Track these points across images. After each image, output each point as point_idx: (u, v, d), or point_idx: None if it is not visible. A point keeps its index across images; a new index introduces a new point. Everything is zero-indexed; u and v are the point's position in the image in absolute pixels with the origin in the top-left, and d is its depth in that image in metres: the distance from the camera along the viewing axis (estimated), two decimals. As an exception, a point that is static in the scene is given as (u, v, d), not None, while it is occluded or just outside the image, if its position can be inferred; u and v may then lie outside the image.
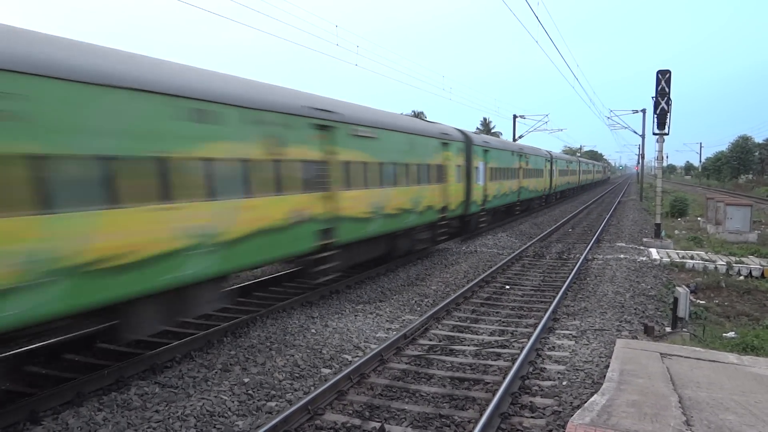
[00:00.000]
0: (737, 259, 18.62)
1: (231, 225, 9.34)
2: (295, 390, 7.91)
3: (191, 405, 7.20)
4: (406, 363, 9.03)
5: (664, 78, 21.80)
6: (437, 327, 11.07)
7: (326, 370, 8.69)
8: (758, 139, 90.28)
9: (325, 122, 12.21)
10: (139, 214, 7.65)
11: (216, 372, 8.45)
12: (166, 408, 7.14)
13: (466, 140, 22.18)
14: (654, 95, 21.99)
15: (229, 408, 7.23)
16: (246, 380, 8.12)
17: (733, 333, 11.51)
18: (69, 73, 6.85)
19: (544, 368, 8.77)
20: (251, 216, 9.83)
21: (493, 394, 7.30)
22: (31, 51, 6.56)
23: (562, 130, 56.38)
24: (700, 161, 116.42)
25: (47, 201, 6.49)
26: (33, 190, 6.36)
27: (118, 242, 7.33)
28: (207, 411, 7.08)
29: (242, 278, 14.41)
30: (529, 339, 9.71)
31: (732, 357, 8.70)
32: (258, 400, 7.52)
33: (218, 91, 9.33)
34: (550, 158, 42.20)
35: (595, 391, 7.14)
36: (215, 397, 7.50)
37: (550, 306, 12.07)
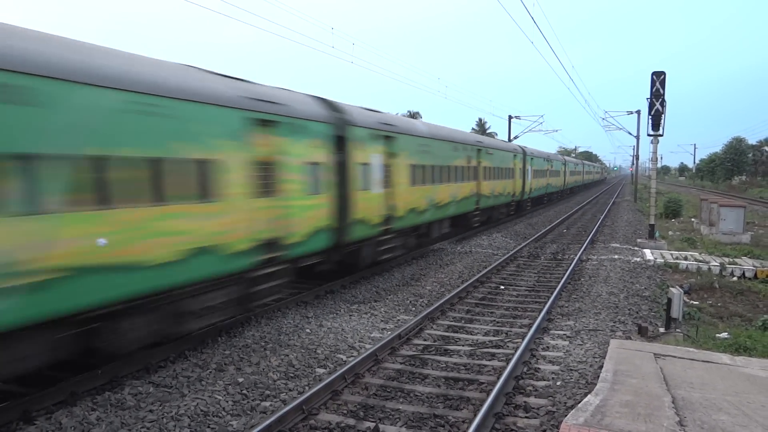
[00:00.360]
0: (730, 260, 18.71)
1: (459, 194, 22.14)
2: (290, 390, 7.90)
3: (185, 405, 7.18)
4: (401, 363, 9.03)
5: (658, 79, 21.88)
6: (432, 327, 11.08)
7: (321, 370, 8.69)
8: (752, 140, 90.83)
9: (478, 147, 25.18)
10: (449, 185, 20.74)
11: (210, 372, 8.43)
12: (160, 408, 7.12)
13: (523, 152, 35.28)
14: (648, 96, 22.08)
15: (224, 408, 7.22)
16: (240, 380, 8.11)
17: (726, 334, 11.56)
18: (441, 137, 20.58)
19: (539, 368, 8.79)
20: (463, 191, 22.66)
21: (488, 394, 7.32)
22: (432, 131, 19.81)
23: (557, 130, 56.58)
24: (694, 162, 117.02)
25: (450, 179, 21.33)
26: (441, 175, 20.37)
27: (447, 194, 20.53)
28: (201, 411, 7.06)
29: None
30: (523, 339, 9.72)
31: (725, 357, 8.75)
32: (252, 400, 7.51)
33: (458, 138, 22.71)
34: (564, 162, 55.49)
35: (589, 392, 7.16)
36: (209, 396, 7.48)
37: (544, 306, 12.09)
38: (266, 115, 10.43)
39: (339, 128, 13.15)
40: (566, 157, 61.11)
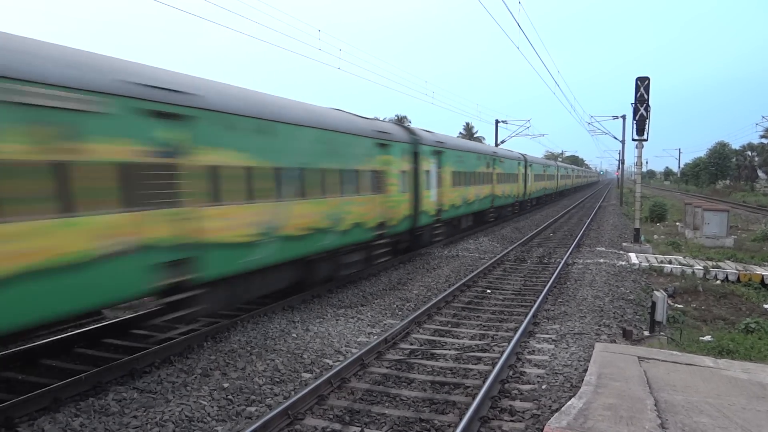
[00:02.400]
0: (714, 263, 18.92)
1: (481, 194, 27.57)
2: (276, 395, 7.88)
3: (170, 410, 7.14)
4: (387, 367, 9.04)
5: (643, 85, 22.12)
6: (418, 331, 11.10)
7: (307, 375, 8.68)
8: (735, 145, 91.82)
9: (494, 157, 30.90)
10: (474, 187, 26.15)
11: (195, 377, 8.39)
12: (145, 413, 7.08)
13: (525, 159, 40.64)
14: (633, 102, 22.30)
15: (209, 413, 7.19)
16: (226, 385, 8.08)
17: (710, 337, 11.69)
18: (470, 149, 27.17)
19: (524, 372, 8.83)
20: (483, 191, 28.09)
21: (473, 398, 7.34)
22: (465, 145, 28.10)
23: (543, 135, 57.10)
24: (679, 167, 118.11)
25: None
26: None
27: (473, 194, 26.00)
28: (186, 416, 7.03)
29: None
30: (509, 343, 9.77)
31: (708, 360, 8.84)
32: (238, 405, 7.48)
33: (480, 149, 29.95)
34: (557, 167, 62.72)
35: (574, 395, 7.21)
36: (194, 402, 7.45)
37: (530, 310, 12.15)
38: (403, 148, 17.25)
39: (414, 146, 18.62)
40: (558, 163, 69.50)
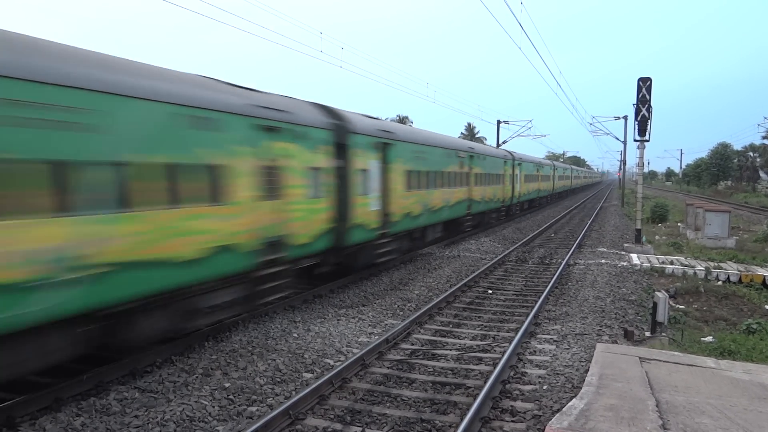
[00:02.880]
0: (716, 264, 18.91)
1: (537, 187, 46.08)
2: (277, 395, 7.88)
3: (171, 410, 7.15)
4: (388, 367, 9.04)
5: (645, 85, 22.10)
6: (420, 331, 11.10)
7: (308, 375, 8.68)
8: (737, 146, 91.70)
9: (544, 165, 50.05)
10: (535, 183, 45.96)
11: (197, 377, 8.39)
12: (146, 413, 7.09)
13: (554, 166, 54.75)
14: (635, 102, 22.28)
15: (210, 413, 7.19)
16: (227, 385, 8.08)
17: (711, 337, 11.69)
18: (532, 161, 46.02)
19: (525, 372, 8.83)
20: (535, 186, 45.33)
21: (474, 399, 7.33)
22: (534, 159, 47.91)
23: (545, 135, 57.34)
24: (681, 168, 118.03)
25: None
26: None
27: (533, 188, 45.35)
28: (187, 416, 7.03)
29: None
30: (510, 343, 9.76)
31: (709, 361, 8.84)
32: (239, 405, 7.49)
33: (542, 161, 51.29)
34: (572, 170, 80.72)
35: (575, 396, 7.21)
36: (195, 402, 7.45)
37: (531, 310, 12.14)
38: (513, 162, 34.92)
39: (512, 161, 34.48)
40: (573, 167, 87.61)
